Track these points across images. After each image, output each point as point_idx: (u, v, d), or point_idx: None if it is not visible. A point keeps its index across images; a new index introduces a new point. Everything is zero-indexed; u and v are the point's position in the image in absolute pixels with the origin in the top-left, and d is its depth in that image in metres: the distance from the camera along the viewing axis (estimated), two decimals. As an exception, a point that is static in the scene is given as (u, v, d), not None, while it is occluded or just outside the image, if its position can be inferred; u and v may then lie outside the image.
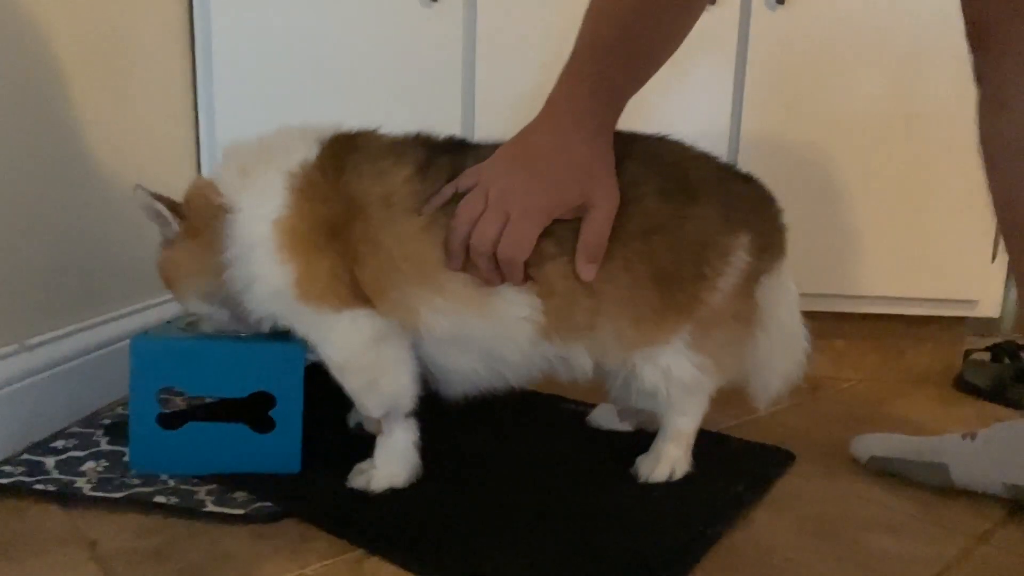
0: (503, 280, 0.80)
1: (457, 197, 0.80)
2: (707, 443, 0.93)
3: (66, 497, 0.80)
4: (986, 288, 1.31)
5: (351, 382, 0.84)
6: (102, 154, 1.06)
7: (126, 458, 0.87)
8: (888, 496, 0.90)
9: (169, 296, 0.88)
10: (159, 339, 0.86)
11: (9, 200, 0.90)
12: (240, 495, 0.81)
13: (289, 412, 0.85)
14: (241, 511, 0.78)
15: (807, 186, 1.26)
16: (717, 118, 1.26)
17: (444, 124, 0.88)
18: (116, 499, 0.80)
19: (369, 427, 0.93)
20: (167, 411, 0.87)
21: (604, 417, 1.05)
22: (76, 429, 0.97)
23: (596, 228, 0.80)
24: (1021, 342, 1.44)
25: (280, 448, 0.85)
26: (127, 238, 1.10)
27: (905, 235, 1.28)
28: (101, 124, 1.06)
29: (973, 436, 0.89)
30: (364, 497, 0.82)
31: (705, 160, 0.89)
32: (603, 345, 0.84)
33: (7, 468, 0.85)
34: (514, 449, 0.97)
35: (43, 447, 0.91)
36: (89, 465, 0.87)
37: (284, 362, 0.85)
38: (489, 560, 0.71)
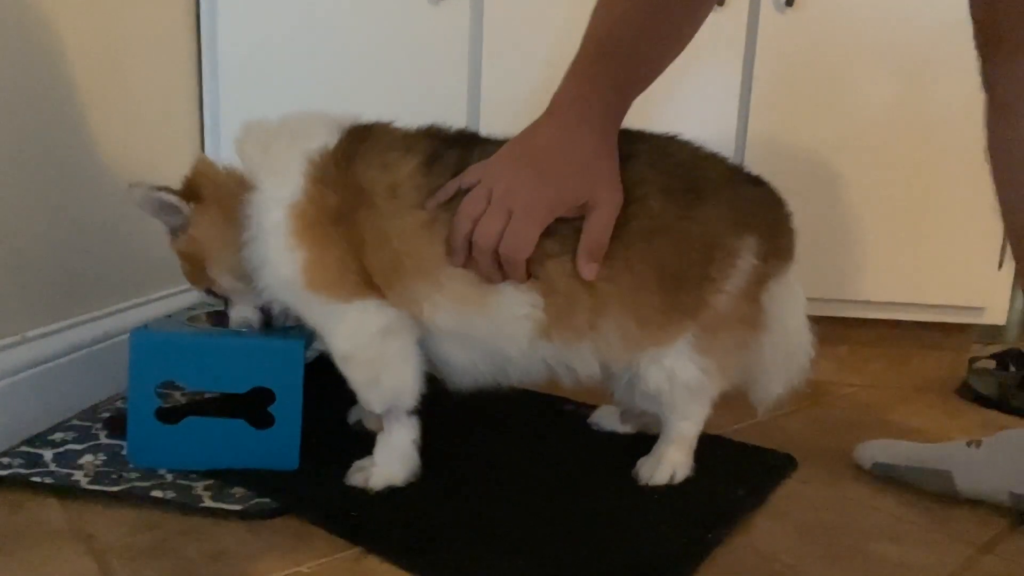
0: (504, 278, 0.80)
1: (461, 194, 0.80)
2: (709, 447, 0.92)
3: (63, 490, 0.80)
4: (992, 295, 1.30)
5: (355, 375, 0.83)
6: (104, 148, 1.06)
7: (124, 452, 0.87)
8: (891, 503, 0.89)
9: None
10: (159, 333, 0.86)
11: (10, 193, 0.90)
12: (238, 491, 0.81)
13: (288, 408, 0.85)
14: (239, 507, 0.78)
15: (813, 189, 1.26)
16: (724, 120, 1.26)
17: (449, 122, 0.87)
18: (113, 493, 0.79)
19: (369, 424, 0.93)
20: (166, 406, 0.86)
21: (606, 419, 1.05)
22: (75, 422, 0.96)
23: (598, 227, 0.79)
24: (1027, 350, 1.43)
25: (279, 444, 0.85)
26: (128, 232, 1.10)
27: (911, 241, 1.27)
28: (103, 118, 1.06)
29: (978, 444, 0.88)
30: (362, 495, 0.81)
31: (714, 161, 0.88)
32: (608, 346, 0.84)
33: (5, 460, 0.85)
34: (514, 450, 0.97)
35: (41, 439, 0.90)
36: (87, 458, 0.86)
37: (284, 358, 0.84)
38: (486, 562, 0.70)
